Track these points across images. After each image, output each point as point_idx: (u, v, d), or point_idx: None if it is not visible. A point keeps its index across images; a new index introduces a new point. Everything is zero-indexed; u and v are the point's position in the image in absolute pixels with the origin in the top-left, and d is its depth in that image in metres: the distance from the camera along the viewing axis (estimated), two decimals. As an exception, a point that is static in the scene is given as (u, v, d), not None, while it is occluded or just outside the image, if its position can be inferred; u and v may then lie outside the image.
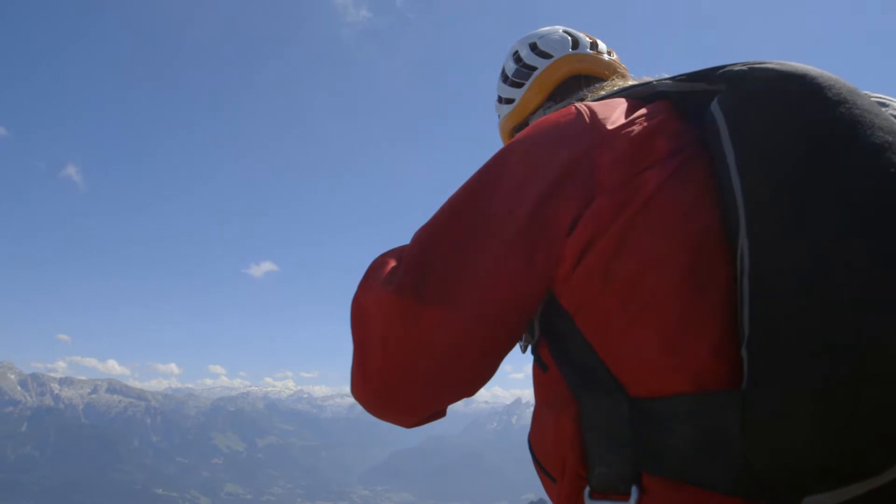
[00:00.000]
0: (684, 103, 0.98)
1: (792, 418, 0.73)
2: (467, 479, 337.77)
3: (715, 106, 0.88)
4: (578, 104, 1.00)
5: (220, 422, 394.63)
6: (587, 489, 0.91)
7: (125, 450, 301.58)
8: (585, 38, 1.50)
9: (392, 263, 0.97)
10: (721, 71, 0.92)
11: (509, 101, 1.54)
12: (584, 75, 1.46)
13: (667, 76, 1.06)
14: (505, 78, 1.55)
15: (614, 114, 0.96)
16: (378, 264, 1.00)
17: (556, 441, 0.96)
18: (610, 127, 0.93)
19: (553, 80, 1.46)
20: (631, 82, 1.21)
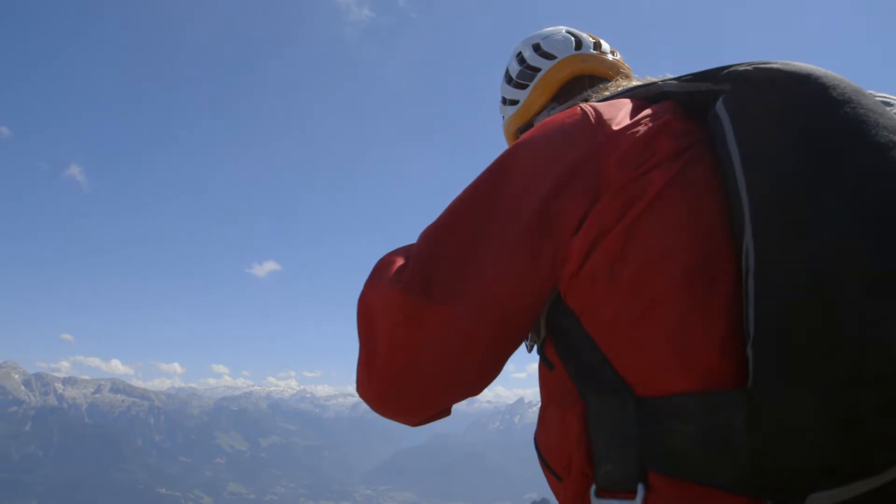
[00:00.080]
0: (689, 103, 0.98)
1: (796, 417, 0.74)
2: (470, 479, 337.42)
3: (720, 106, 0.88)
4: (583, 105, 1.00)
5: (223, 421, 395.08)
6: (593, 487, 0.91)
7: (128, 449, 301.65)
8: (589, 39, 1.50)
9: (398, 262, 0.98)
10: (726, 71, 0.92)
11: (513, 102, 1.55)
12: (588, 76, 1.46)
13: (671, 76, 1.06)
14: (509, 79, 1.56)
15: (619, 114, 0.97)
16: (384, 263, 1.01)
17: (562, 439, 0.97)
18: (615, 127, 0.94)
19: (557, 81, 1.47)
20: (635, 82, 1.21)
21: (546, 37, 1.51)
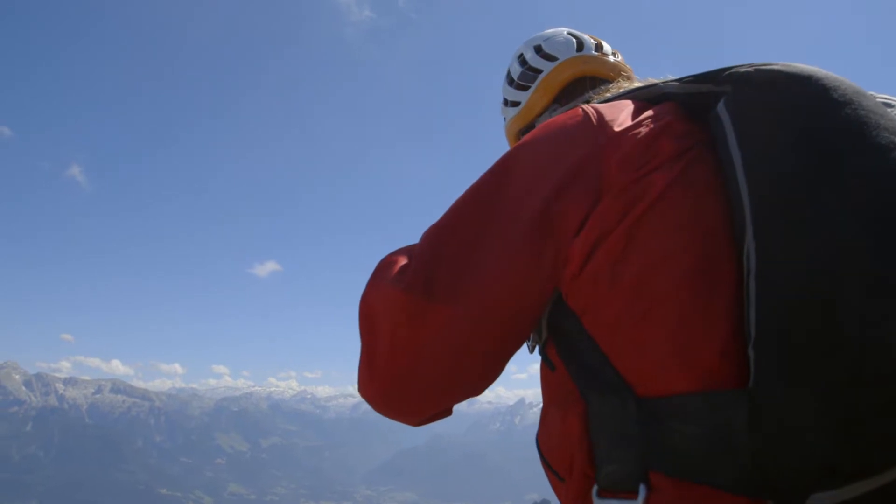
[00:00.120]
0: (690, 105, 0.98)
1: (797, 417, 0.74)
2: (470, 480, 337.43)
3: (721, 107, 0.89)
4: (585, 106, 1.01)
5: (223, 422, 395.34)
6: (595, 488, 0.92)
7: (129, 450, 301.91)
8: (590, 40, 1.50)
9: (401, 262, 0.98)
10: (727, 72, 0.92)
11: (515, 103, 1.55)
12: (589, 77, 1.46)
13: (672, 78, 1.06)
14: (510, 81, 1.56)
15: (621, 115, 0.97)
16: (387, 263, 1.01)
17: (563, 440, 0.97)
18: (617, 129, 0.94)
19: (558, 83, 1.47)
20: (637, 84, 1.21)
21: (548, 38, 1.51)
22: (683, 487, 0.82)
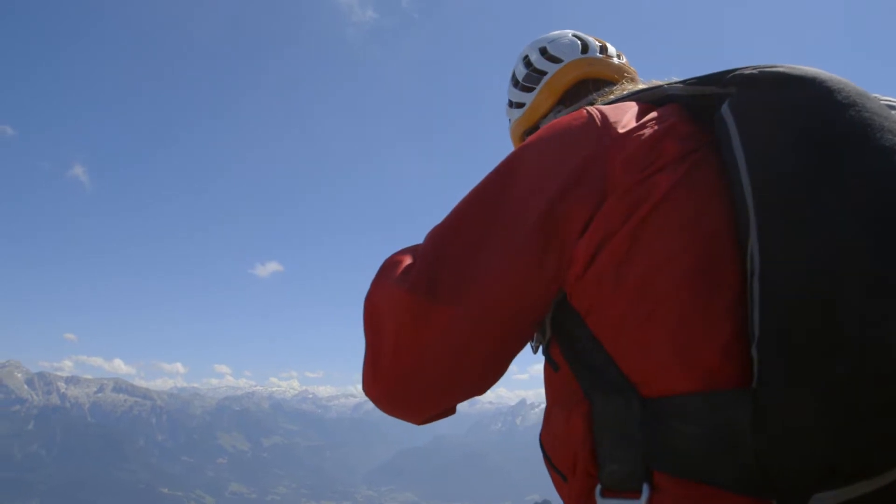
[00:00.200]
0: (695, 107, 0.99)
1: (799, 417, 0.74)
2: (471, 480, 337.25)
3: (725, 109, 0.89)
4: (589, 107, 1.01)
5: (225, 421, 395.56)
6: (598, 487, 0.92)
7: (131, 449, 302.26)
8: (595, 42, 1.51)
9: (405, 262, 0.99)
10: (731, 74, 0.92)
11: (520, 105, 1.55)
12: (593, 79, 1.47)
13: (677, 80, 1.06)
14: (515, 82, 1.57)
15: (625, 117, 0.97)
16: (391, 263, 1.01)
17: (567, 440, 0.97)
18: (621, 130, 0.95)
19: (563, 84, 1.48)
20: (641, 86, 1.21)
21: (552, 40, 1.53)
22: (686, 487, 0.82)
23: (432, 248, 0.97)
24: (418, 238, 1.01)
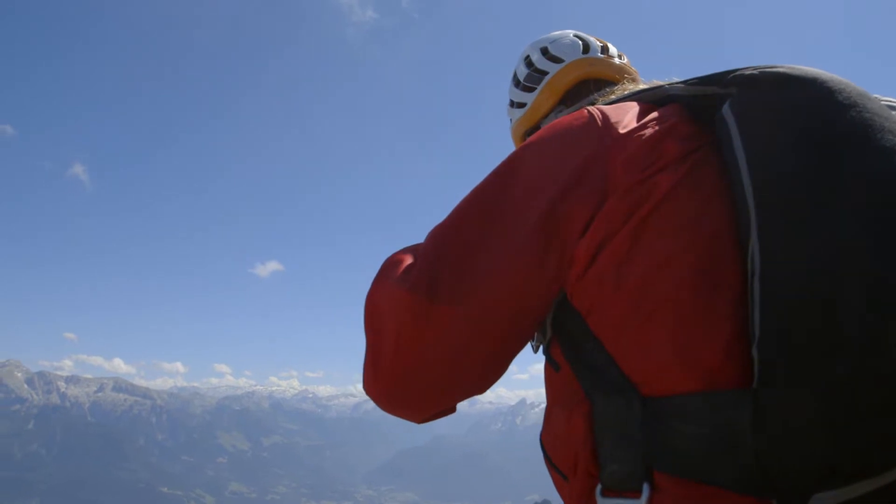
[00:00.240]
0: (696, 107, 0.99)
1: (799, 417, 0.74)
2: (471, 480, 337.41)
3: (726, 109, 0.89)
4: (590, 107, 1.01)
5: (225, 421, 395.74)
6: (599, 487, 0.92)
7: (131, 448, 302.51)
8: (596, 42, 1.51)
9: (406, 262, 0.99)
10: (732, 75, 0.92)
11: (521, 105, 1.56)
12: (594, 79, 1.48)
13: (678, 80, 1.06)
14: (517, 82, 1.57)
15: (626, 117, 0.98)
16: (392, 262, 1.02)
17: (568, 439, 0.97)
18: (622, 130, 0.95)
19: (564, 84, 1.48)
20: (642, 86, 1.21)
21: (554, 40, 1.53)
22: (686, 487, 0.82)
23: (433, 248, 0.97)
24: (418, 238, 1.00)
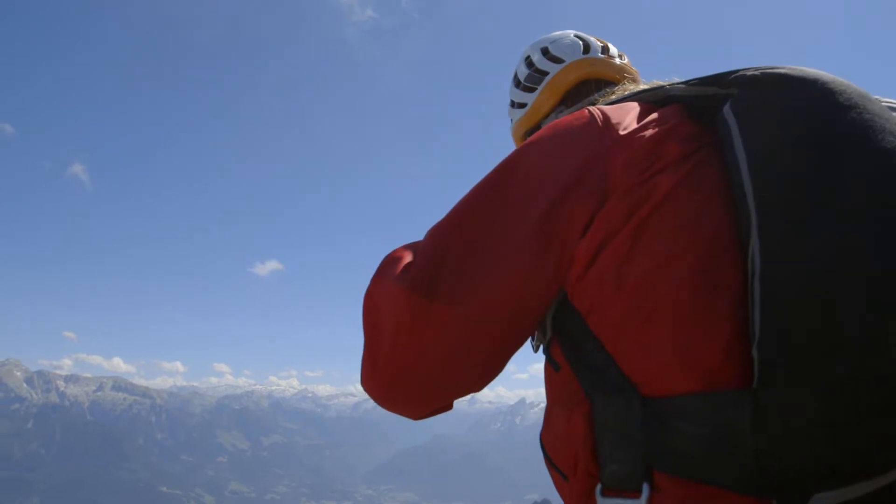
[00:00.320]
0: (697, 107, 0.99)
1: (799, 417, 0.74)
2: (471, 479, 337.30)
3: (727, 110, 0.89)
4: (591, 108, 1.01)
5: (224, 420, 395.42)
6: (599, 487, 0.92)
7: (130, 447, 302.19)
8: (597, 43, 1.51)
9: (405, 260, 0.99)
10: (733, 75, 0.93)
11: (521, 105, 1.56)
12: (595, 79, 1.48)
13: (679, 80, 1.06)
14: (517, 82, 1.57)
15: (627, 117, 0.98)
16: (392, 259, 1.02)
17: (568, 439, 0.97)
18: (622, 131, 0.95)
19: (565, 85, 1.48)
20: (643, 86, 1.21)
21: (554, 41, 1.53)
22: (686, 487, 0.82)
23: (432, 247, 0.97)
24: (418, 238, 1.03)
